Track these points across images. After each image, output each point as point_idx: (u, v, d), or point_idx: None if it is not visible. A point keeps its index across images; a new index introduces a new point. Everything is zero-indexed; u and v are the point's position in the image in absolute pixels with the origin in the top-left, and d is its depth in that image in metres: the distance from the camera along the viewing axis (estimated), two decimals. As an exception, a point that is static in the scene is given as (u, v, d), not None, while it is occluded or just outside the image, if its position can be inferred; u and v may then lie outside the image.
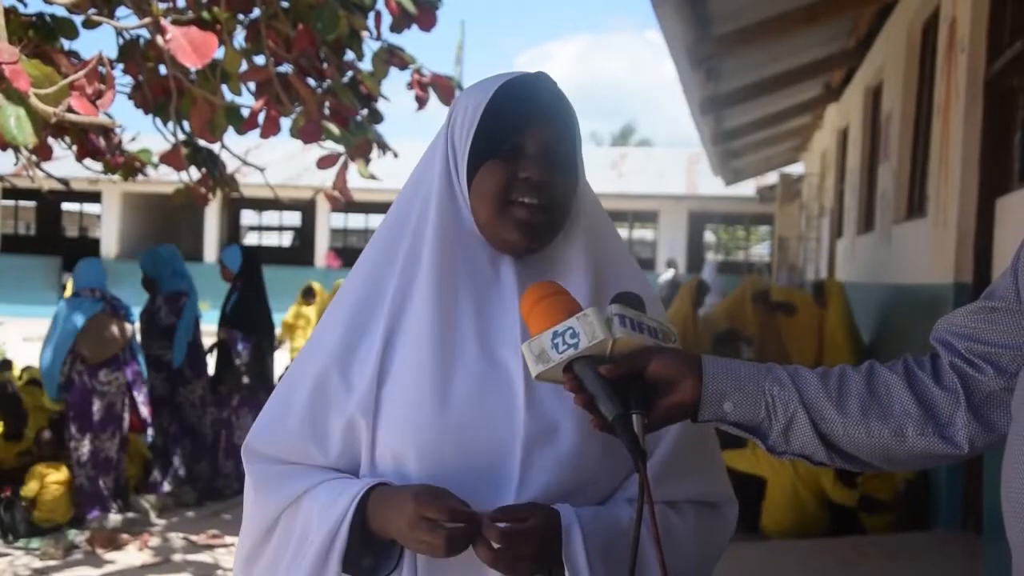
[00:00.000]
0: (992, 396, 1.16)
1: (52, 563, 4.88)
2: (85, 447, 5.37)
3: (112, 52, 4.36)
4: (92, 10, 3.57)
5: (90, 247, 19.82)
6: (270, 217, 27.63)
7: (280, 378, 1.42)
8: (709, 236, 27.39)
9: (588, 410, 1.14)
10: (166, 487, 5.95)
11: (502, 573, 1.20)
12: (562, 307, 1.17)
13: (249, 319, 6.31)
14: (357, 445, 1.31)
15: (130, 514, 5.52)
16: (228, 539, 5.30)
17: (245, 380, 6.23)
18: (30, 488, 5.36)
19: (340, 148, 4.27)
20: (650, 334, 1.18)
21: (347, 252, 21.63)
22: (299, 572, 1.26)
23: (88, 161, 4.53)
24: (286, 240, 27.74)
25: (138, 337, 5.87)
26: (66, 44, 3.75)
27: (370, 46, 4.28)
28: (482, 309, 1.31)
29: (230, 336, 6.28)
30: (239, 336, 6.26)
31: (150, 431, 6.03)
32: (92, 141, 4.37)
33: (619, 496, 1.32)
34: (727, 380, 1.17)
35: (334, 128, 3.99)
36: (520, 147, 1.29)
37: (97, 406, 5.41)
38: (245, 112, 3.99)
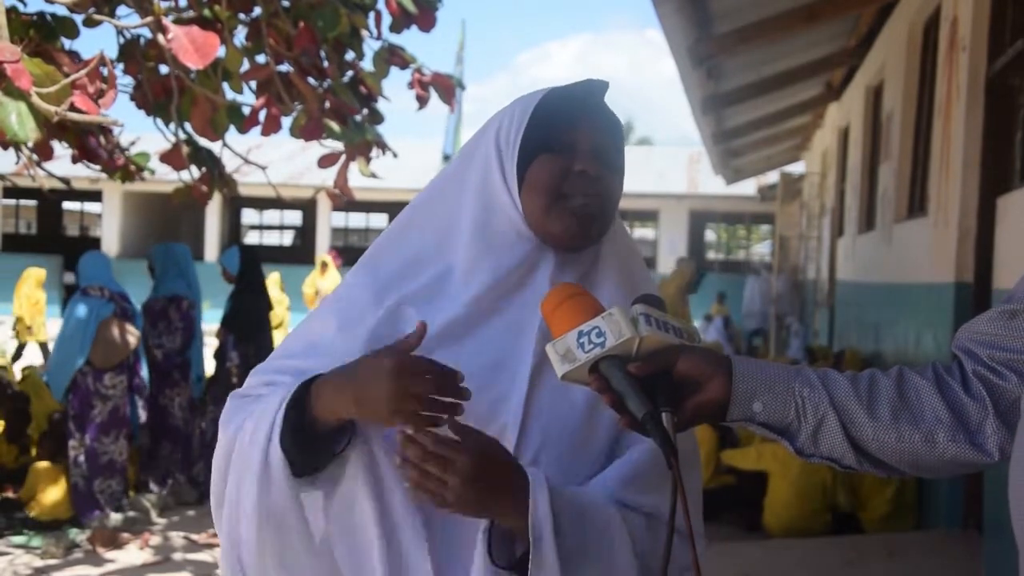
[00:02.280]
0: (1017, 403, 1.14)
1: (53, 562, 4.88)
2: (82, 449, 5.37)
3: (112, 52, 4.36)
4: (92, 9, 3.56)
5: (91, 246, 19.78)
6: (271, 216, 27.60)
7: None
8: (710, 235, 27.38)
9: (616, 410, 1.13)
10: (153, 487, 5.94)
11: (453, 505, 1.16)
12: (586, 307, 1.16)
13: (244, 322, 6.32)
14: None
15: (131, 513, 5.52)
16: (229, 538, 5.30)
17: (234, 381, 6.24)
18: (28, 489, 5.36)
19: (341, 146, 4.27)
20: (675, 334, 1.17)
21: (348, 251, 21.61)
22: (247, 480, 1.24)
23: (87, 161, 4.53)
24: (287, 239, 27.73)
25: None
26: (66, 44, 3.75)
27: (370, 45, 4.28)
28: (512, 304, 1.30)
29: (224, 340, 6.31)
30: (232, 341, 6.28)
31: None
32: (90, 143, 4.37)
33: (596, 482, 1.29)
34: (757, 380, 1.16)
35: (335, 125, 3.99)
36: (573, 143, 1.30)
37: (99, 409, 5.41)
38: (246, 110, 3.99)
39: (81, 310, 5.42)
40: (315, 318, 1.38)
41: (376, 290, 1.32)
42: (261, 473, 1.23)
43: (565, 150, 1.29)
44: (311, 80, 4.07)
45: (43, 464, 5.50)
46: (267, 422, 1.23)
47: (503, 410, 1.27)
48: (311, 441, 1.24)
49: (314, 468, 1.25)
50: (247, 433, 1.27)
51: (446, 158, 11.16)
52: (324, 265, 12.15)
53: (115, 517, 5.39)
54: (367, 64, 4.31)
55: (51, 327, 15.93)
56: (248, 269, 6.42)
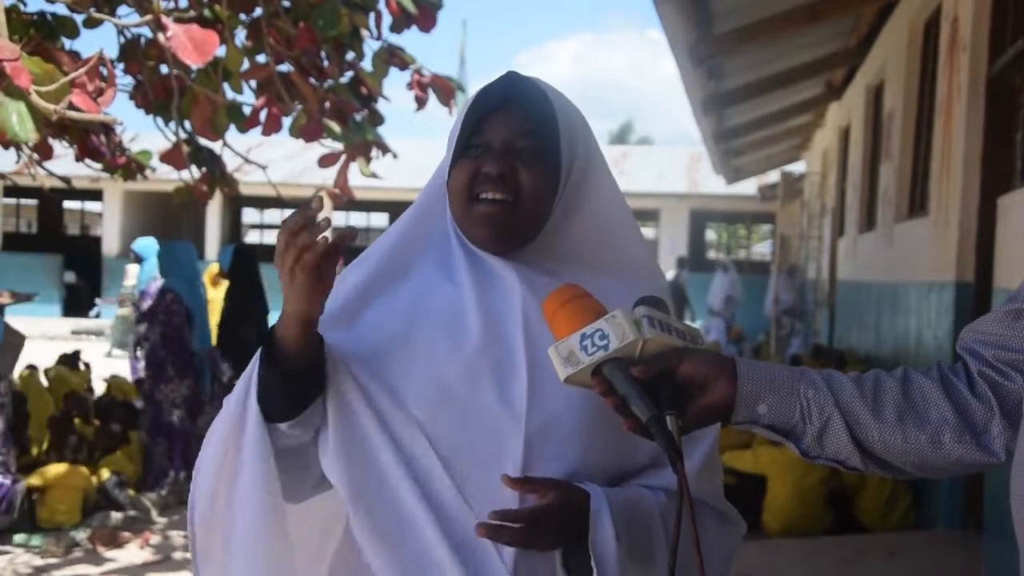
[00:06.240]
0: (1022, 404, 1.14)
1: (53, 561, 4.88)
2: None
3: (113, 52, 4.36)
4: (93, 8, 3.56)
5: (91, 245, 19.80)
6: (272, 215, 27.60)
7: None
8: (711, 235, 27.37)
9: (620, 413, 1.13)
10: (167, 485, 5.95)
11: (523, 548, 1.21)
12: (589, 310, 1.16)
13: (234, 323, 6.31)
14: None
15: (131, 512, 5.52)
16: (229, 537, 5.29)
17: (226, 382, 6.24)
18: (38, 476, 5.33)
19: (340, 146, 4.27)
20: (678, 336, 1.16)
21: (348, 251, 21.61)
22: (221, 429, 1.26)
23: (88, 160, 4.54)
24: (287, 239, 27.71)
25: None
26: (67, 44, 3.75)
27: (370, 46, 4.28)
28: (486, 309, 1.29)
29: (211, 353, 6.30)
30: (219, 354, 6.28)
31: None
32: (92, 141, 4.37)
33: (638, 482, 1.33)
34: (761, 382, 1.15)
35: (335, 126, 3.99)
36: (487, 142, 1.30)
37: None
38: (246, 110, 3.99)
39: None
40: None
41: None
42: (237, 418, 1.24)
43: (479, 151, 1.30)
44: (311, 80, 4.07)
45: (55, 465, 5.46)
46: (244, 380, 1.26)
47: (508, 410, 1.26)
48: (289, 382, 1.23)
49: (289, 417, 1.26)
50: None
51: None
52: None
53: (115, 516, 5.39)
54: (367, 64, 4.31)
55: (50, 325, 15.96)
56: (239, 268, 6.40)
